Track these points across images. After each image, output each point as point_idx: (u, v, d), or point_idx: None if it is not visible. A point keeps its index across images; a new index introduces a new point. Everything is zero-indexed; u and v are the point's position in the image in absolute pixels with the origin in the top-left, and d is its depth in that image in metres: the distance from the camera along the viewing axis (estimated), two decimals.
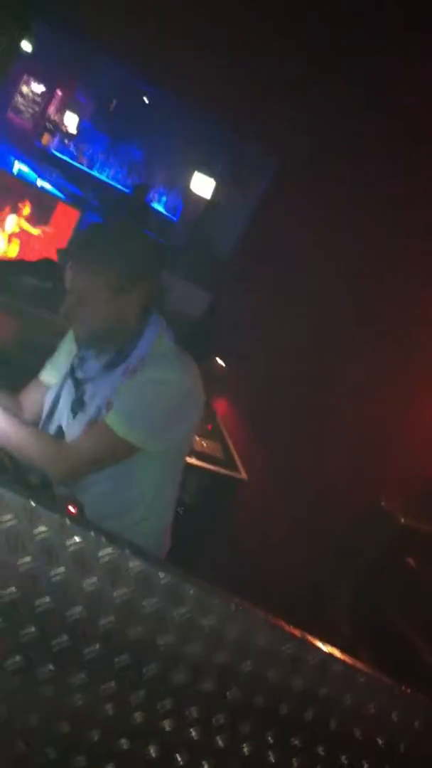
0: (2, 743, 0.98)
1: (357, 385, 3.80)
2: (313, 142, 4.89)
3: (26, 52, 6.36)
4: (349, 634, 3.35)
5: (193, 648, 1.05)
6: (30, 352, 2.41)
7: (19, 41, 5.58)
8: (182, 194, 10.57)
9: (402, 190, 4.02)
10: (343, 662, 1.16)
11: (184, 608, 1.03)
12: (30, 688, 0.97)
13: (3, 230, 3.66)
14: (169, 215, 10.99)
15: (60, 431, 2.04)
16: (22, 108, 11.27)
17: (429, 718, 1.21)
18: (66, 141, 11.73)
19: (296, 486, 3.78)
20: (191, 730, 1.08)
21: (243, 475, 3.35)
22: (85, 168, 11.54)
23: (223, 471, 3.29)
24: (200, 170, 8.29)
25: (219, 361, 3.87)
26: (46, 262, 2.17)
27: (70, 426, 2.02)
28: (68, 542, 0.96)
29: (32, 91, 11.43)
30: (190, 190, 8.59)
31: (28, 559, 0.94)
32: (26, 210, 3.66)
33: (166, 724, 1.05)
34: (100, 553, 0.97)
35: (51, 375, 2.21)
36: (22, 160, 8.97)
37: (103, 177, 11.60)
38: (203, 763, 1.09)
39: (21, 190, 3.83)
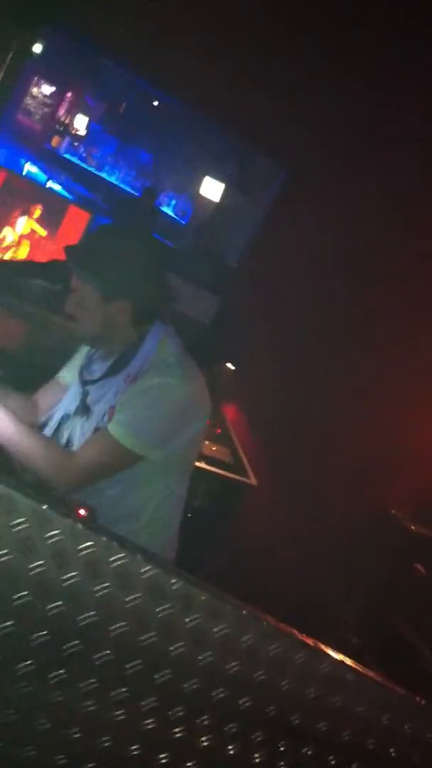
0: (12, 747, 0.97)
1: (367, 391, 3.79)
2: (321, 147, 4.88)
3: (36, 55, 6.39)
4: (358, 642, 3.33)
5: (205, 656, 1.03)
6: (38, 354, 2.40)
7: (30, 45, 5.60)
8: (191, 198, 10.57)
9: (411, 194, 4.01)
10: (355, 672, 1.15)
11: (195, 615, 1.02)
12: (41, 692, 0.96)
13: (14, 231, 3.67)
14: (178, 219, 11.00)
15: (65, 432, 2.04)
16: (32, 110, 11.30)
17: None
18: (75, 143, 11.75)
19: (305, 492, 3.76)
20: (202, 738, 1.07)
21: (252, 480, 3.33)
22: (94, 170, 11.56)
23: (232, 476, 3.27)
24: (210, 174, 8.30)
25: (228, 365, 3.86)
26: (56, 264, 2.16)
27: (74, 427, 2.02)
28: (80, 547, 0.95)
29: (42, 94, 11.45)
30: (200, 194, 8.59)
31: (40, 563, 0.93)
32: (37, 212, 3.66)
33: (177, 732, 1.04)
34: (112, 559, 0.96)
35: (68, 375, 2.22)
36: (32, 162, 9.00)
37: (112, 179, 11.61)
38: None
39: (32, 192, 3.83)
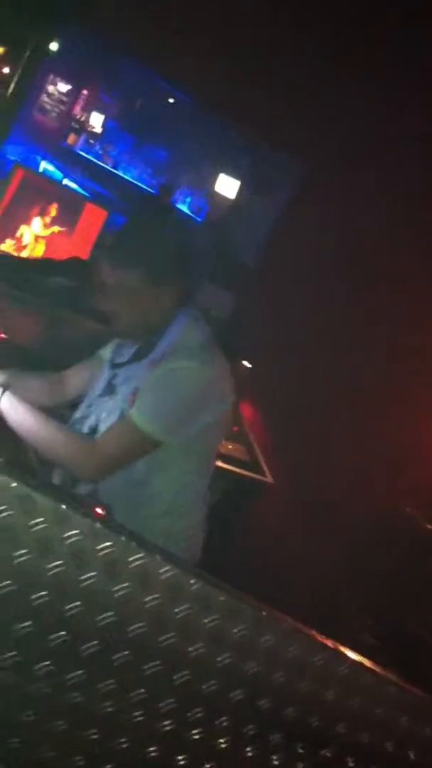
0: (30, 748, 0.97)
1: (384, 389, 3.77)
2: (336, 145, 4.86)
3: (52, 52, 6.39)
4: (373, 641, 3.31)
5: (224, 657, 1.03)
6: (55, 352, 2.40)
7: (47, 43, 5.61)
8: (207, 195, 10.56)
9: (429, 192, 3.98)
10: (374, 673, 1.14)
11: (214, 616, 1.01)
12: (59, 693, 0.96)
13: (30, 230, 3.67)
14: (194, 216, 10.98)
15: (93, 412, 2.04)
16: (48, 108, 11.31)
17: None
18: (91, 141, 11.75)
19: (321, 490, 3.75)
20: (221, 740, 1.06)
21: (269, 478, 3.32)
22: (110, 168, 11.56)
23: (248, 474, 3.26)
24: (225, 171, 8.28)
25: (244, 363, 3.85)
26: (75, 261, 2.16)
27: (101, 408, 2.02)
28: (99, 547, 0.94)
29: (58, 91, 11.47)
30: (215, 192, 8.57)
31: (58, 563, 0.93)
32: (54, 211, 3.66)
33: (196, 734, 1.03)
34: (131, 559, 0.96)
35: (106, 353, 2.21)
36: (48, 160, 9.01)
37: (128, 177, 11.61)
38: None
39: (49, 190, 3.84)
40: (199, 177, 11.12)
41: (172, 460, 1.96)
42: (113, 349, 2.16)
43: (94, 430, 2.01)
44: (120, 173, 11.60)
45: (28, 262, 3.42)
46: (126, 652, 0.97)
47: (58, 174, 8.60)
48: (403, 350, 3.74)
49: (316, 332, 4.26)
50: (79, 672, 0.95)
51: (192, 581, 0.99)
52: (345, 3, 4.46)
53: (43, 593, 0.92)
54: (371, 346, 3.98)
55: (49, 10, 4.88)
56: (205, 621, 1.01)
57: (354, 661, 1.12)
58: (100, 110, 11.91)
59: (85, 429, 2.02)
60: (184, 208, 11.22)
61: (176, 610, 0.99)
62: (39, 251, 3.58)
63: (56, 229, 3.65)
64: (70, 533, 0.92)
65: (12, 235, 3.62)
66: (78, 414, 2.09)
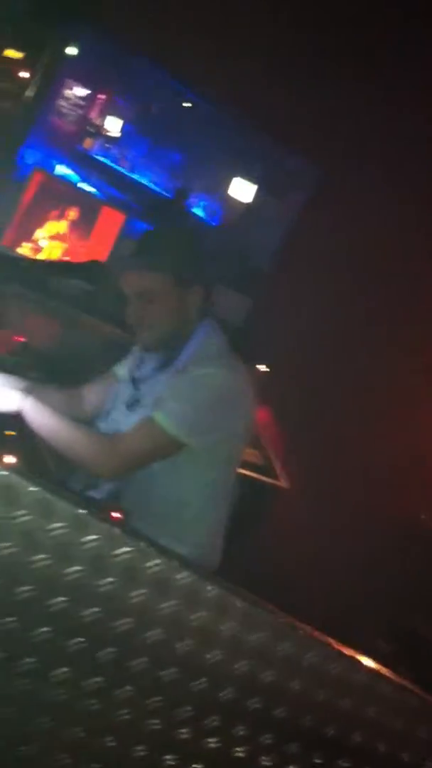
0: (46, 756, 0.97)
1: (400, 395, 3.75)
2: (353, 148, 4.85)
3: (70, 56, 6.42)
4: (389, 648, 3.29)
5: (240, 664, 1.02)
6: (73, 355, 2.40)
7: (65, 46, 5.64)
8: (222, 199, 10.56)
9: None
10: (392, 683, 1.13)
11: (231, 623, 1.00)
12: (76, 700, 0.95)
13: (47, 233, 3.69)
14: (209, 220, 10.99)
15: (115, 426, 2.04)
16: (65, 111, 11.36)
17: None
18: (107, 144, 11.79)
19: (337, 496, 3.73)
20: (238, 748, 1.06)
21: (283, 483, 3.31)
22: (126, 172, 11.60)
23: (262, 478, 3.25)
24: (240, 175, 8.27)
25: (260, 367, 3.84)
26: (93, 264, 2.16)
27: (123, 422, 2.02)
28: (117, 552, 0.94)
29: (74, 95, 11.51)
30: (230, 196, 8.57)
31: (76, 568, 0.93)
32: (72, 214, 3.67)
33: (212, 742, 1.03)
34: (149, 564, 0.96)
35: (122, 370, 2.22)
36: (65, 164, 9.05)
37: (144, 181, 11.64)
38: None
39: (66, 194, 3.85)
40: (214, 181, 11.12)
41: (196, 466, 1.96)
42: (132, 365, 2.15)
43: None
44: (136, 177, 11.63)
45: (46, 264, 3.43)
46: (144, 659, 0.97)
47: (74, 177, 8.63)
48: (423, 355, 3.73)
49: (332, 336, 4.25)
50: (97, 678, 0.95)
51: (209, 587, 0.99)
52: (365, 6, 4.44)
53: (62, 598, 0.92)
54: (389, 351, 3.96)
55: (67, 15, 4.90)
56: (222, 628, 1.00)
57: (371, 669, 1.11)
58: (117, 114, 11.94)
59: None
60: (199, 212, 11.24)
61: (192, 617, 0.98)
62: (56, 254, 3.59)
63: (73, 232, 3.66)
64: (88, 538, 0.92)
65: (30, 238, 3.64)
66: (103, 428, 2.09)
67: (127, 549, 0.94)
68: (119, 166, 11.68)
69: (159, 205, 10.04)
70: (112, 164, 11.55)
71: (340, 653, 1.09)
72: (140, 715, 0.98)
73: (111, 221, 3.64)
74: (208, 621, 0.99)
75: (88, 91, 11.64)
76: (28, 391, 1.89)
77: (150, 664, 0.97)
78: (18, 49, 5.20)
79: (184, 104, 10.70)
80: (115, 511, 1.56)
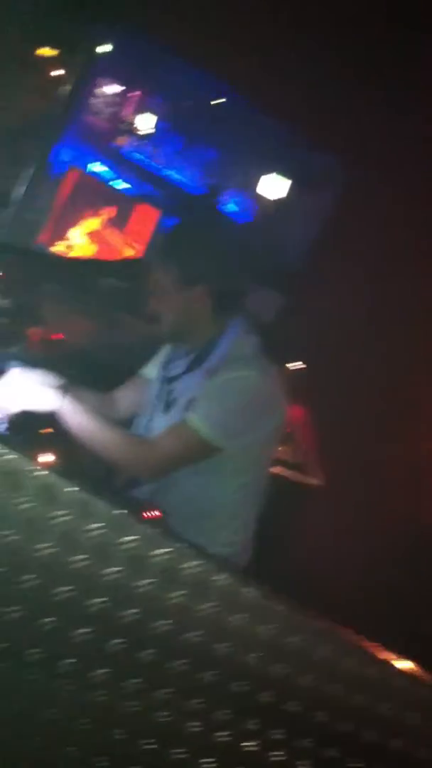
0: (54, 748, 0.96)
1: None
2: (385, 144, 4.80)
3: (103, 54, 6.45)
4: (421, 650, 3.25)
5: (280, 667, 1.01)
6: (108, 353, 2.41)
7: (99, 44, 5.66)
8: (254, 196, 10.54)
9: None
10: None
11: (270, 625, 0.99)
12: (117, 700, 0.95)
13: (82, 231, 3.70)
14: (241, 217, 10.96)
15: (150, 427, 2.05)
16: (99, 109, 11.41)
17: None
18: (141, 141, 11.82)
19: (372, 495, 3.70)
20: (274, 752, 1.05)
21: (318, 481, 3.29)
22: (159, 168, 11.61)
23: (297, 476, 3.24)
24: (273, 172, 8.24)
25: (294, 365, 3.82)
26: (129, 262, 2.16)
27: (158, 423, 2.03)
28: (156, 553, 0.93)
29: (108, 92, 11.55)
30: (262, 193, 8.53)
31: (114, 569, 0.92)
32: (107, 212, 3.68)
33: (250, 746, 1.02)
34: (187, 566, 0.95)
35: (151, 371, 2.23)
36: (99, 161, 9.08)
37: (177, 177, 11.65)
38: None
39: (101, 191, 3.86)
40: (246, 177, 11.10)
41: (230, 469, 1.96)
42: (162, 363, 2.16)
43: None
44: (169, 174, 11.64)
45: (82, 263, 3.45)
46: (183, 661, 0.96)
47: (108, 174, 8.66)
48: None
49: (366, 333, 4.21)
50: (138, 680, 0.94)
51: (248, 590, 0.98)
52: (399, 4, 4.40)
53: (101, 599, 0.91)
54: (422, 348, 3.92)
55: (101, 12, 4.91)
56: (262, 631, 0.99)
57: (412, 675, 1.09)
58: (150, 111, 11.97)
59: None
60: (232, 209, 11.22)
61: (231, 619, 0.98)
62: (90, 251, 3.60)
63: (108, 230, 3.67)
64: (126, 539, 0.92)
65: (65, 236, 3.65)
66: (137, 430, 2.10)
67: (165, 550, 0.93)
68: (152, 163, 11.72)
69: (187, 201, 10.04)
70: (146, 161, 11.59)
71: (380, 659, 1.07)
72: (180, 718, 0.97)
73: (146, 218, 3.64)
74: (248, 624, 0.98)
75: (122, 89, 11.70)
76: (64, 389, 1.89)
77: (189, 666, 0.96)
78: (53, 47, 5.25)
79: (217, 101, 10.70)
80: (153, 510, 1.55)
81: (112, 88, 11.94)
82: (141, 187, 9.48)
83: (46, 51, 5.28)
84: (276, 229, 7.96)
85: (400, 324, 4.13)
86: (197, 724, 0.98)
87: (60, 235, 3.66)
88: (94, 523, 0.90)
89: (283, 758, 1.03)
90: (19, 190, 3.56)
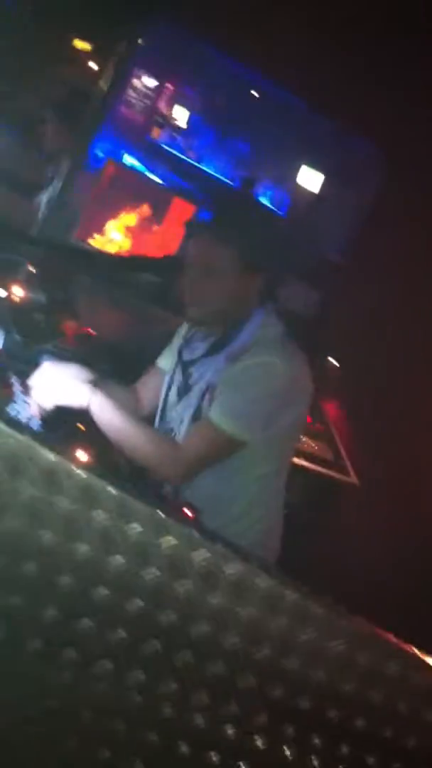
0: (86, 749, 0.95)
1: None
2: (426, 135, 4.72)
3: (140, 46, 6.43)
4: None
5: (319, 673, 0.99)
6: (142, 348, 2.40)
7: (136, 37, 5.66)
8: (290, 188, 10.47)
9: None
10: None
11: (310, 629, 0.97)
12: (149, 704, 0.94)
13: (118, 225, 3.70)
14: (276, 210, 10.90)
15: (170, 416, 2.02)
16: (134, 101, 11.41)
17: None
18: (175, 134, 11.81)
19: (409, 495, 3.65)
20: (312, 756, 1.03)
21: (354, 479, 3.24)
22: (193, 161, 11.59)
23: (332, 474, 3.20)
24: (308, 164, 8.16)
25: (332, 361, 3.78)
26: (167, 259, 2.15)
27: (176, 410, 2.00)
28: (194, 554, 0.92)
29: (143, 84, 11.55)
30: (298, 185, 8.46)
31: (153, 570, 0.91)
32: (143, 208, 3.67)
33: (289, 754, 1.00)
34: (226, 567, 0.93)
35: (167, 360, 2.19)
36: (133, 154, 9.09)
37: (210, 170, 11.62)
38: None
39: (138, 185, 3.85)
40: (282, 169, 11.02)
41: (253, 460, 1.92)
42: (179, 348, 2.11)
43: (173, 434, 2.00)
44: (203, 167, 11.61)
45: (119, 259, 3.44)
46: (220, 665, 0.94)
47: (142, 168, 8.67)
48: None
49: (406, 330, 4.15)
50: (173, 684, 0.93)
51: (288, 592, 0.96)
52: None
53: (139, 601, 0.90)
54: None
55: (138, 4, 4.90)
56: (301, 635, 0.97)
57: None
58: (184, 103, 11.94)
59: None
60: (266, 201, 11.15)
61: (271, 623, 0.96)
62: (126, 246, 3.60)
63: (144, 224, 3.66)
64: (166, 540, 0.90)
65: (101, 230, 3.65)
66: (157, 422, 2.08)
67: (205, 552, 0.92)
68: (187, 155, 11.69)
69: (224, 194, 10.00)
70: (180, 154, 11.56)
71: (425, 664, 1.04)
72: (215, 724, 0.96)
73: (181, 212, 3.62)
74: (287, 628, 0.96)
75: (157, 81, 11.69)
76: (95, 384, 1.88)
77: (227, 671, 0.95)
78: (89, 40, 5.25)
79: (252, 92, 10.64)
80: (188, 508, 1.54)
81: (147, 81, 11.95)
82: (174, 180, 9.47)
83: (82, 44, 5.28)
84: (313, 222, 7.90)
85: None
86: (233, 730, 0.96)
87: (96, 229, 3.65)
88: (133, 523, 0.89)
89: (319, 764, 1.01)
90: (56, 184, 3.56)
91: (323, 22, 4.74)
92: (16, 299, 2.37)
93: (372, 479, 3.41)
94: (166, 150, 11.49)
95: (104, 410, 1.84)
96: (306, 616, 0.97)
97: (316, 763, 1.02)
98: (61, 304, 2.53)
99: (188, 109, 12.08)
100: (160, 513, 0.90)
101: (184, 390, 2.00)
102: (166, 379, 2.11)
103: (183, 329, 2.17)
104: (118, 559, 0.89)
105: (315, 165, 8.20)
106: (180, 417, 1.98)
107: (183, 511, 1.52)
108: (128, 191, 3.72)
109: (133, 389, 2.25)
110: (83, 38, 5.19)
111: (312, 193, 8.41)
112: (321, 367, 3.79)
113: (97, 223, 3.72)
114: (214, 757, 0.99)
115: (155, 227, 3.68)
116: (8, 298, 2.36)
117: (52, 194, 3.55)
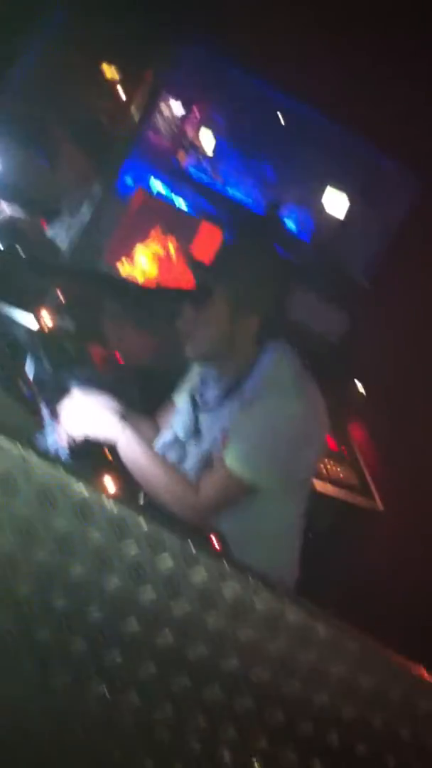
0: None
1: None
2: None
3: (169, 72, 6.50)
4: None
5: (350, 708, 0.98)
6: (168, 374, 2.40)
7: (165, 64, 5.72)
8: (315, 212, 10.49)
9: None
10: None
11: (341, 663, 0.96)
12: (177, 740, 0.93)
13: (146, 253, 3.70)
14: (301, 233, 10.92)
15: (174, 454, 2.02)
16: (160, 126, 11.53)
17: None
18: (201, 158, 11.89)
19: None
20: None
21: (379, 505, 3.21)
22: (219, 185, 11.66)
23: (357, 499, 3.17)
24: (334, 186, 8.18)
25: (357, 384, 3.76)
26: (200, 291, 2.15)
27: (186, 451, 2.00)
28: (224, 586, 0.91)
29: (170, 108, 11.67)
30: (324, 208, 8.48)
31: (183, 603, 0.90)
32: (172, 234, 3.68)
33: None
34: (256, 600, 0.92)
35: (182, 397, 2.19)
36: (159, 178, 9.17)
37: (236, 195, 11.68)
38: None
39: (166, 212, 3.88)
40: (306, 193, 11.07)
41: (272, 503, 1.93)
42: (193, 386, 2.11)
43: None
44: (228, 191, 11.68)
45: (151, 290, 3.46)
46: (249, 700, 0.93)
47: (168, 192, 8.74)
48: None
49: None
50: (200, 720, 0.92)
51: (319, 626, 0.95)
52: None
53: (168, 635, 0.90)
54: None
55: (167, 31, 4.96)
56: (332, 669, 0.96)
57: None
58: (210, 127, 12.04)
59: None
60: (291, 225, 11.18)
61: (301, 657, 0.95)
62: (154, 273, 3.61)
63: (173, 250, 3.67)
64: (196, 571, 0.90)
65: (129, 256, 3.67)
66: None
67: (235, 584, 0.91)
68: (212, 179, 11.79)
69: (249, 223, 10.04)
70: (206, 177, 11.66)
71: None
72: (243, 755, 0.95)
73: (210, 238, 3.63)
74: (318, 662, 0.95)
75: (184, 105, 11.83)
76: (124, 417, 1.88)
77: (255, 706, 0.93)
78: (119, 67, 5.32)
79: (278, 114, 10.71)
80: (215, 536, 1.53)
81: (174, 105, 12.10)
82: (200, 205, 9.53)
83: (111, 71, 5.35)
84: (340, 245, 7.89)
85: None
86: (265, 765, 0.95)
87: (124, 254, 3.68)
88: (163, 553, 0.89)
89: None
90: (86, 211, 3.59)
91: (351, 42, 4.75)
92: (46, 327, 2.38)
93: (397, 505, 3.37)
94: (192, 174, 11.58)
95: (132, 447, 1.86)
96: (338, 650, 0.96)
97: None
98: (90, 332, 2.54)
99: (215, 132, 12.17)
100: (191, 545, 0.89)
101: (194, 433, 2.01)
102: (178, 418, 2.11)
103: (197, 367, 2.16)
104: (148, 591, 0.89)
105: (342, 186, 8.22)
106: (190, 458, 1.99)
107: (211, 540, 1.51)
108: (157, 218, 3.74)
109: (154, 419, 2.25)
110: (112, 64, 5.26)
111: (339, 215, 8.41)
112: (347, 391, 3.77)
113: (125, 249, 3.74)
114: None
115: (183, 254, 3.70)
116: (38, 326, 2.38)
117: (82, 220, 3.58)
